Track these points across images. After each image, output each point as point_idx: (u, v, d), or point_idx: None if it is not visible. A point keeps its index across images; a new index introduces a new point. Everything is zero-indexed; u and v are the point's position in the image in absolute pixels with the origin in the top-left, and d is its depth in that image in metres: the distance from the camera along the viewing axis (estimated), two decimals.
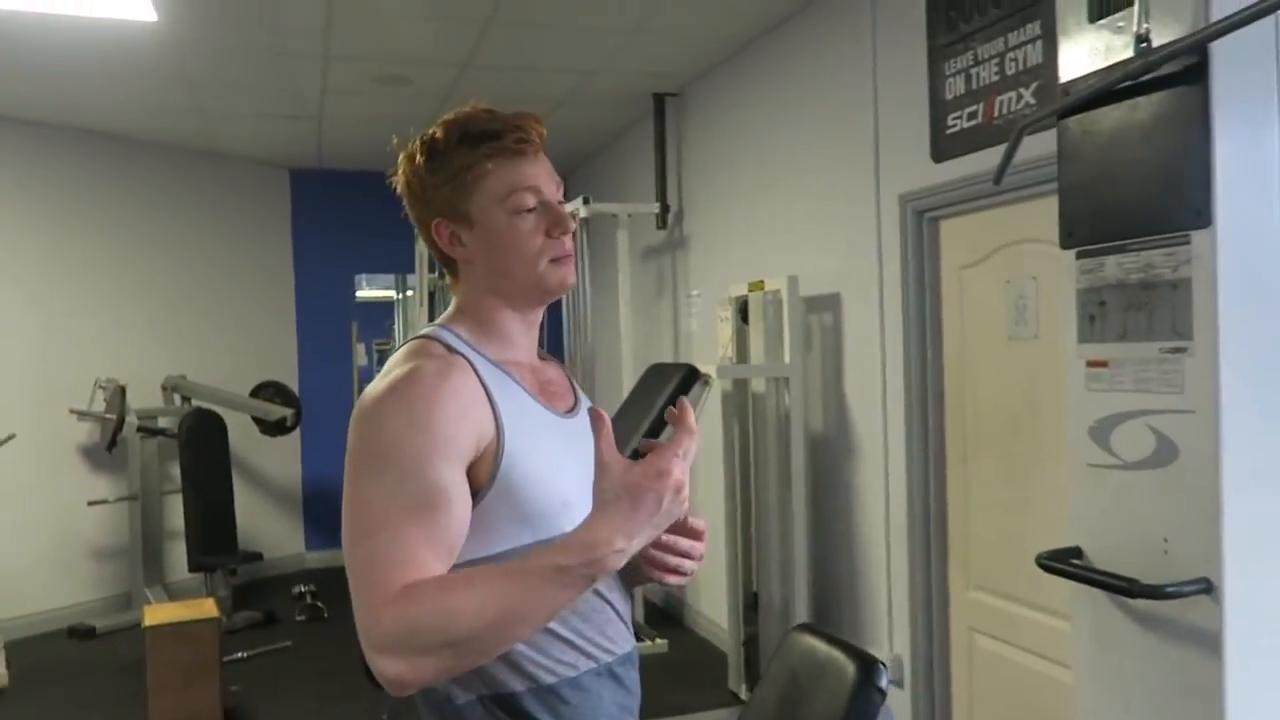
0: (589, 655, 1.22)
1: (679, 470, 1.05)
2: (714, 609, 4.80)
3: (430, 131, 1.25)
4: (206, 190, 6.39)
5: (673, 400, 3.88)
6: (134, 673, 4.10)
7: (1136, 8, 1.62)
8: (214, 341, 6.34)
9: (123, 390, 5.35)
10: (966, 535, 3.11)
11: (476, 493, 1.15)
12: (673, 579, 1.28)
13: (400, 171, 1.28)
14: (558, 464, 1.22)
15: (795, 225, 4.04)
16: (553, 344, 5.36)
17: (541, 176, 1.24)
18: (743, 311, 4.14)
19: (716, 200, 4.84)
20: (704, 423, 4.06)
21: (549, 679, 1.19)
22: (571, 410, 1.32)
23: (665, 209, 5.25)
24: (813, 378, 3.88)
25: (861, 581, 3.61)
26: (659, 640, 4.77)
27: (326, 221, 6.94)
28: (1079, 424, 1.82)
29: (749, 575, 4.13)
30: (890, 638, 3.38)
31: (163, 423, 5.70)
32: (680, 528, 1.27)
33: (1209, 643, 1.59)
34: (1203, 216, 1.58)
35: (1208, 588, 1.57)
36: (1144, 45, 1.61)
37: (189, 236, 6.27)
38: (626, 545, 1.02)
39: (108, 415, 5.40)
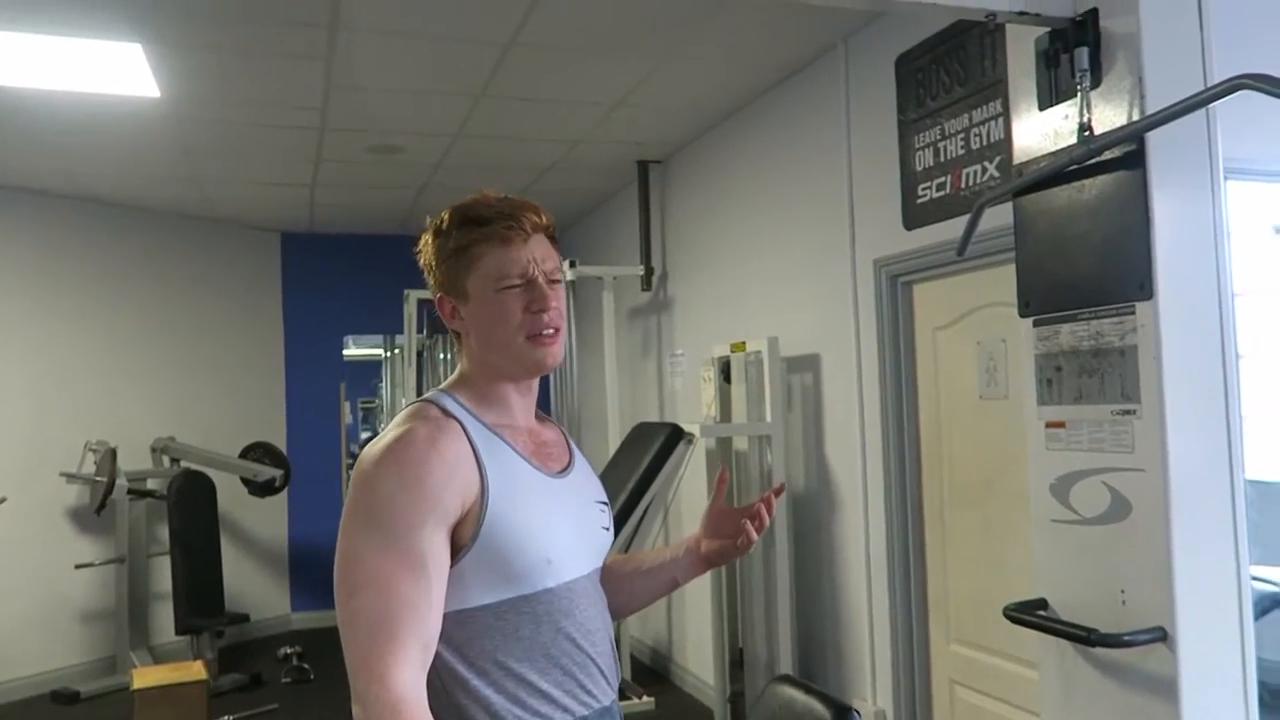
0: (565, 708, 1.29)
1: None
2: (700, 666, 4.84)
3: (441, 215, 1.40)
4: (198, 253, 6.50)
5: (658, 458, 3.99)
6: None
7: (1079, 99, 1.77)
8: (204, 403, 6.40)
9: (113, 452, 5.39)
10: (945, 589, 3.19)
11: (459, 550, 1.25)
12: (754, 535, 1.46)
13: (420, 246, 1.42)
14: (544, 523, 1.31)
15: (775, 288, 4.19)
16: (540, 403, 5.46)
17: (527, 259, 1.34)
18: (725, 371, 4.26)
19: (699, 263, 4.99)
20: (688, 481, 4.16)
21: None
22: (565, 469, 1.42)
23: (650, 271, 5.40)
24: (794, 436, 3.99)
25: (845, 635, 3.68)
26: (646, 698, 4.79)
27: (316, 283, 7.06)
28: (1040, 481, 1.93)
29: (734, 632, 4.19)
30: (874, 691, 3.44)
31: (152, 484, 5.74)
32: (749, 508, 1.47)
33: (1165, 689, 1.68)
34: (1145, 289, 1.71)
35: (1162, 636, 1.67)
36: (1087, 134, 1.75)
37: (180, 299, 6.37)
38: None
39: (98, 478, 5.43)
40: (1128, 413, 1.75)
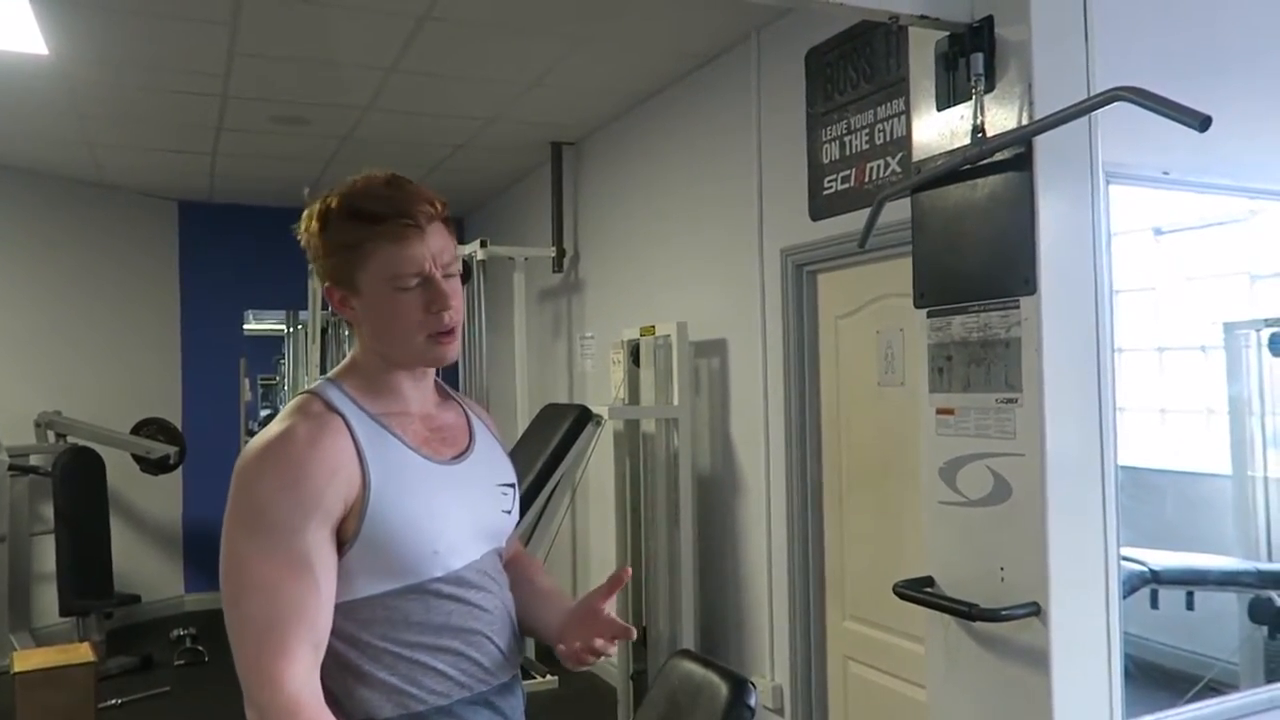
0: (462, 685, 1.30)
1: None
2: None
3: (326, 201, 1.31)
4: (89, 219, 6.23)
5: (566, 439, 4.01)
6: None
7: (974, 101, 1.86)
8: (93, 376, 6.15)
9: None
10: (842, 568, 3.31)
11: (344, 544, 1.24)
12: (581, 664, 1.37)
13: (302, 230, 1.34)
14: (429, 513, 1.29)
15: (685, 273, 4.25)
16: (449, 381, 5.42)
17: (427, 256, 1.28)
18: (634, 354, 4.31)
19: (610, 246, 5.02)
20: (596, 461, 4.20)
21: (419, 707, 1.26)
22: (462, 454, 1.39)
23: (561, 253, 5.40)
24: (700, 419, 4.06)
25: (746, 614, 3.78)
26: (549, 676, 4.83)
27: (216, 255, 6.84)
28: (930, 465, 2.02)
29: (639, 610, 4.26)
30: (772, 667, 3.55)
31: (35, 460, 5.49)
32: (609, 626, 1.37)
33: (1038, 660, 1.80)
34: (1030, 284, 1.81)
35: (1037, 610, 1.78)
36: (980, 135, 1.84)
37: (68, 266, 6.10)
38: None
39: None
40: (1010, 401, 1.85)
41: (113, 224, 6.39)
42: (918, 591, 1.97)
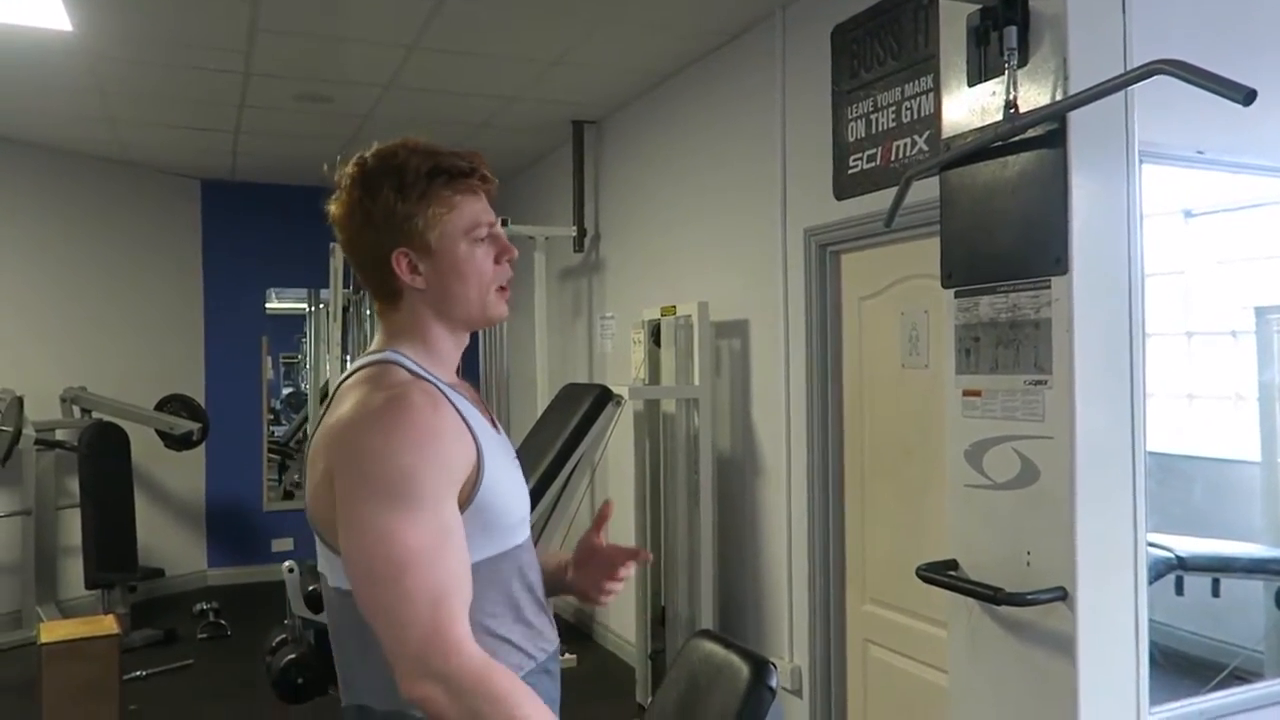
0: (531, 655, 1.31)
1: None
2: (622, 624, 4.91)
3: (398, 158, 1.28)
4: (113, 198, 6.26)
5: (586, 419, 4.00)
6: (25, 693, 4.00)
7: (1006, 77, 1.82)
8: (118, 353, 6.20)
9: (20, 401, 5.19)
10: (862, 551, 3.29)
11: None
12: (603, 600, 1.46)
13: (347, 198, 1.30)
14: (515, 480, 1.34)
15: (706, 253, 4.21)
16: (469, 362, 5.42)
17: (491, 211, 1.34)
18: (655, 335, 4.29)
19: (631, 226, 4.99)
20: (616, 442, 4.19)
21: None
22: (495, 424, 1.41)
23: (582, 233, 5.37)
24: (721, 400, 4.04)
25: (765, 596, 3.77)
26: (568, 655, 4.84)
27: (239, 234, 6.86)
28: (956, 447, 2.00)
29: (657, 590, 4.26)
30: (791, 649, 3.54)
31: (61, 435, 5.55)
32: (615, 555, 1.44)
33: (1064, 645, 1.78)
34: (1061, 264, 1.77)
35: (1063, 595, 1.76)
36: (1012, 111, 1.80)
37: (93, 244, 6.13)
38: None
39: (3, 428, 5.23)
40: (1039, 383, 1.82)
41: (136, 202, 6.42)
42: (941, 575, 1.95)
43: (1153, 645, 1.94)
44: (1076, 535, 1.76)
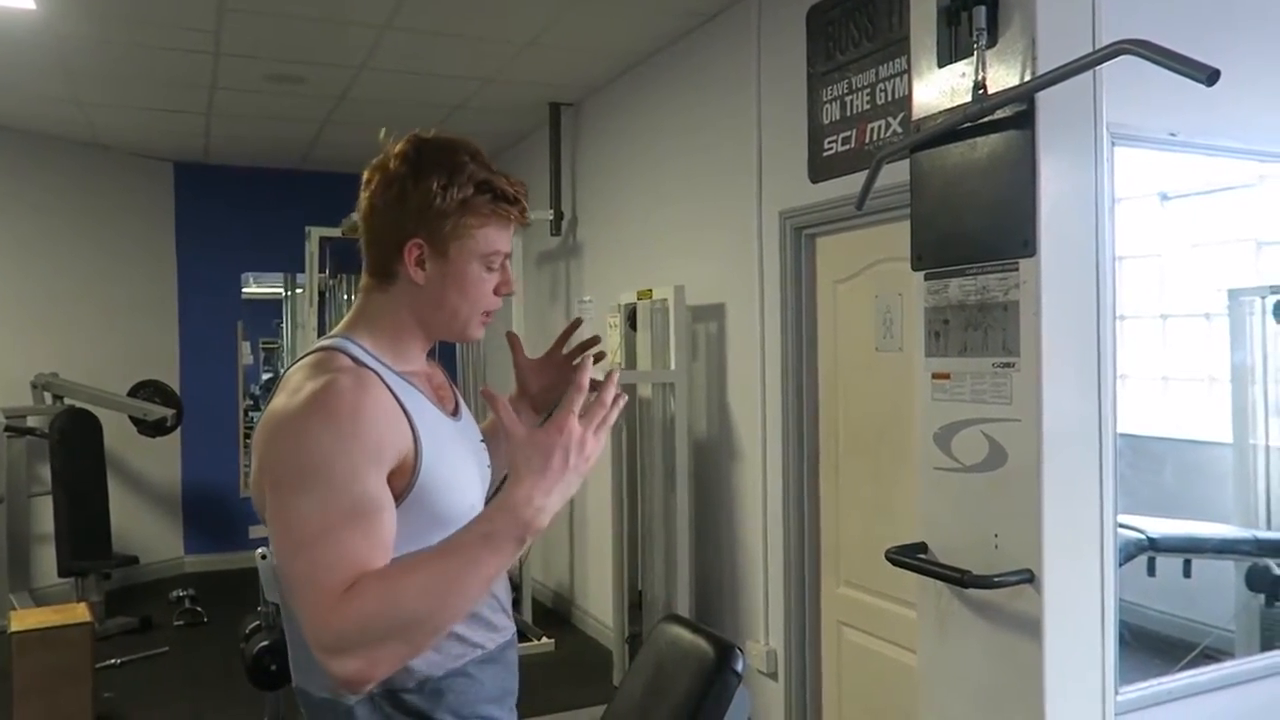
0: (477, 645, 1.30)
1: (575, 424, 1.11)
2: (600, 608, 4.92)
3: (458, 157, 1.30)
4: (83, 181, 6.17)
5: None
6: None
7: (975, 57, 1.80)
8: (89, 339, 6.12)
9: None
10: (837, 534, 3.30)
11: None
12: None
13: (393, 171, 1.29)
14: (463, 468, 1.31)
15: (683, 236, 4.19)
16: (445, 347, 5.39)
17: (511, 244, 1.36)
18: (631, 318, 4.27)
19: (609, 209, 4.96)
20: None
21: (438, 673, 1.26)
22: (456, 410, 1.41)
23: (559, 216, 5.34)
24: (697, 384, 4.03)
25: (740, 579, 3.77)
26: (546, 639, 4.85)
27: (213, 217, 6.79)
28: (925, 430, 1.99)
29: (634, 575, 4.26)
30: (766, 632, 3.55)
31: (33, 422, 5.48)
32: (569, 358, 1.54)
33: (1030, 627, 1.78)
34: (1029, 247, 1.77)
35: (1030, 578, 1.76)
36: (981, 92, 1.79)
37: (63, 228, 6.05)
38: (545, 501, 1.10)
39: None
40: (1007, 365, 1.81)
41: (107, 185, 6.33)
42: (910, 558, 1.95)
43: (1124, 625, 1.95)
44: (1043, 518, 1.75)
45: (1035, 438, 1.76)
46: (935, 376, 1.98)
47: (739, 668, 1.51)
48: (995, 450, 1.84)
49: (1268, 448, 4.13)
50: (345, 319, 1.35)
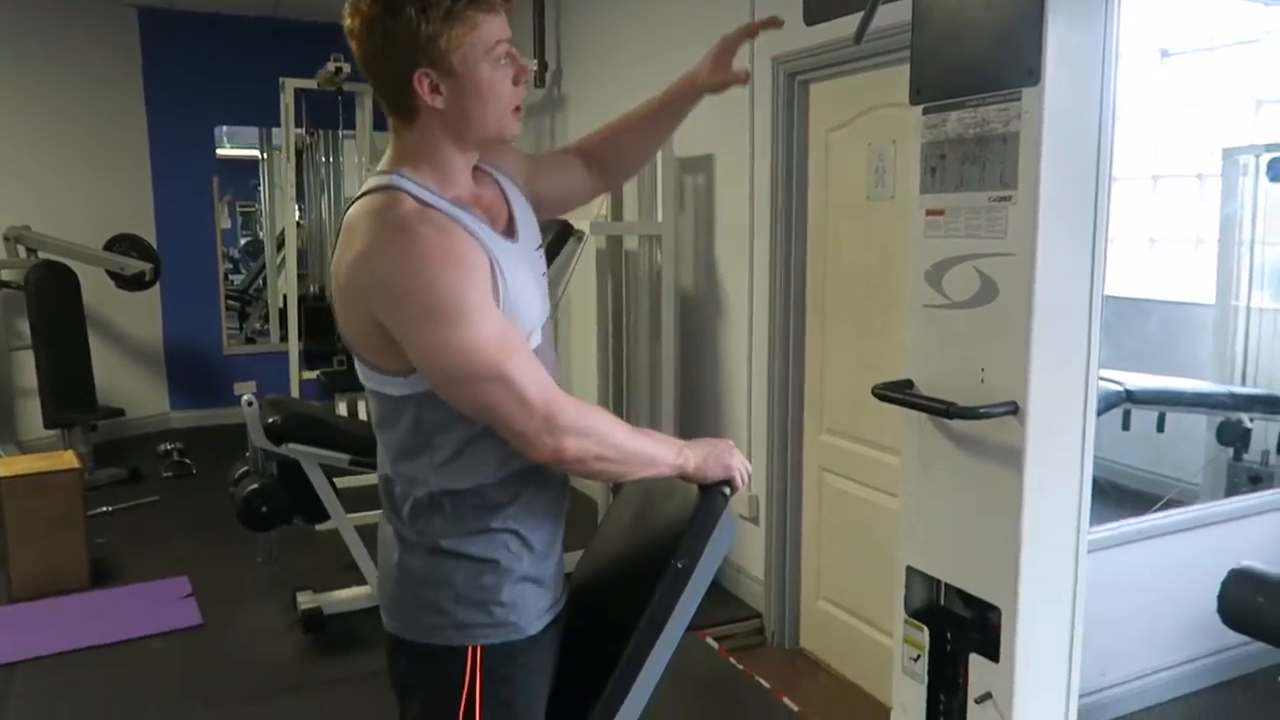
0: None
1: (739, 461, 1.50)
2: None
3: None
4: (42, 29, 5.89)
5: (548, 255, 3.94)
6: None
7: None
8: (60, 191, 5.97)
9: None
10: (821, 383, 3.33)
11: None
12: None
13: (367, 13, 1.27)
14: (525, 290, 1.36)
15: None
16: None
17: (508, 29, 1.32)
18: None
19: (594, 59, 4.79)
20: (577, 277, 4.15)
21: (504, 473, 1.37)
22: (511, 228, 1.41)
23: (543, 67, 5.16)
24: (684, 236, 3.99)
25: (724, 429, 3.83)
26: None
27: (181, 66, 6.51)
28: (917, 268, 1.98)
29: None
30: (749, 479, 3.62)
31: (6, 275, 5.40)
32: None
33: (1012, 458, 1.82)
34: (1033, 75, 1.72)
35: (1014, 409, 1.79)
36: None
37: (25, 77, 5.81)
38: (700, 465, 1.44)
39: None
40: (1004, 199, 1.79)
41: (68, 33, 6.03)
42: (897, 393, 1.97)
43: (1096, 479, 1.99)
44: (1031, 351, 1.77)
45: (1028, 271, 1.76)
46: (929, 213, 1.96)
47: (726, 490, 1.54)
48: (986, 285, 1.83)
49: (1249, 308, 4.18)
50: (390, 154, 1.35)
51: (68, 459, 4.10)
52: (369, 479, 4.79)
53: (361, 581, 3.65)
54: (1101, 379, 2.04)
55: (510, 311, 1.31)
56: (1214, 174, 4.51)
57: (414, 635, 1.38)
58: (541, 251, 1.49)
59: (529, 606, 1.39)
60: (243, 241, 11.63)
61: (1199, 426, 3.95)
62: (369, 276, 1.25)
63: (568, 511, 1.51)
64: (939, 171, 1.93)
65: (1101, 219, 1.85)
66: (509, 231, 1.40)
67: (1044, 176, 1.74)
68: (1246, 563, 2.42)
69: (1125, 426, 3.59)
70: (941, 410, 1.84)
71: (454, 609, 1.35)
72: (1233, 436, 3.65)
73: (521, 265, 1.38)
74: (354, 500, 3.67)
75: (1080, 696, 1.99)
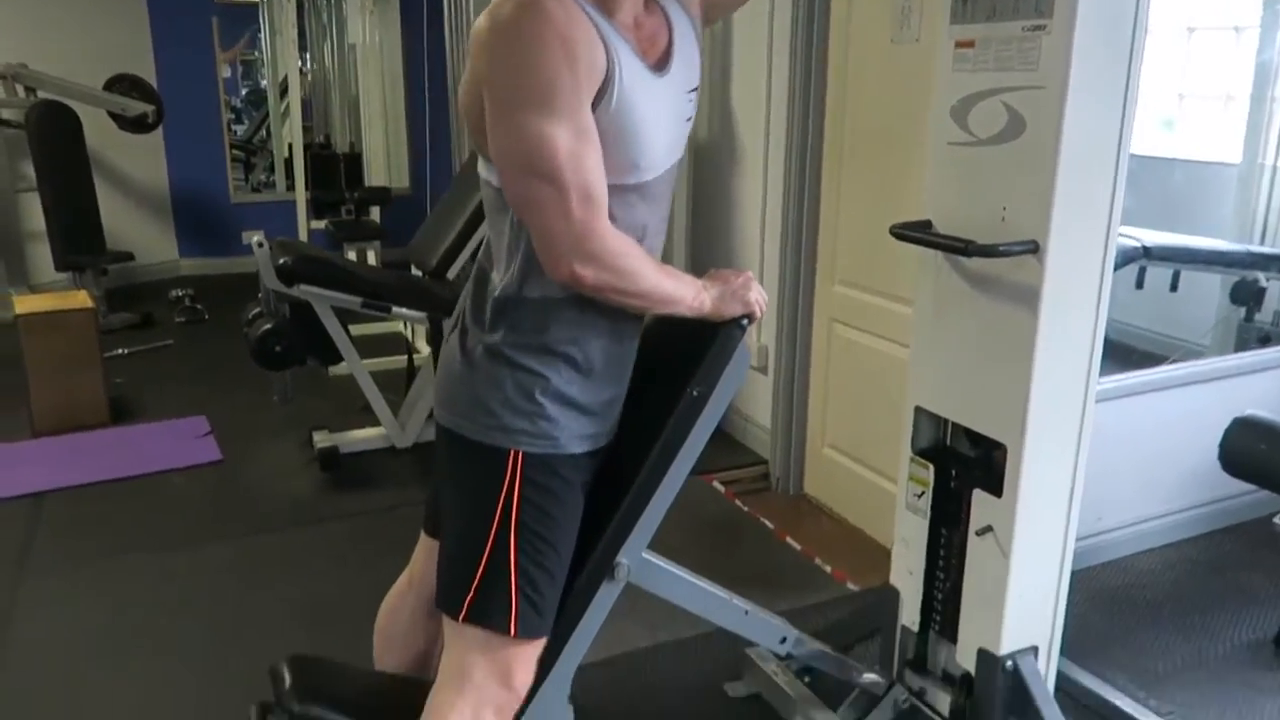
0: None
1: (756, 294, 1.55)
2: None
3: None
4: None
5: None
6: (8, 367, 4.09)
7: None
8: (54, 29, 5.80)
9: None
10: (834, 234, 3.30)
11: None
12: None
13: None
14: (655, 132, 1.36)
15: None
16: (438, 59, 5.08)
17: None
18: None
19: None
20: None
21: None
22: (664, 63, 1.39)
23: None
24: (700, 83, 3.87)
25: None
26: None
27: None
28: (942, 104, 1.92)
29: None
30: (759, 329, 3.64)
31: (6, 114, 5.30)
32: None
33: (1029, 298, 1.80)
34: None
35: (1035, 248, 1.76)
36: None
37: None
38: (717, 305, 1.52)
39: None
40: (1038, 28, 1.72)
41: None
42: (915, 232, 1.95)
43: (1106, 339, 1.97)
44: (1055, 188, 1.73)
45: (1058, 104, 1.70)
46: (959, 45, 1.88)
47: (744, 321, 1.54)
48: (1014, 120, 1.78)
49: (1276, 166, 4.08)
50: None
51: (81, 298, 4.13)
52: (380, 327, 4.84)
53: (376, 423, 3.73)
54: (1120, 235, 2.01)
55: (622, 134, 1.31)
56: (1252, 26, 4.33)
57: (464, 430, 1.43)
58: (694, 96, 1.48)
59: (570, 426, 1.43)
60: (243, 91, 11.35)
61: (1213, 288, 3.92)
62: (490, 44, 1.26)
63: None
64: (970, 1, 1.85)
65: (1138, 54, 1.78)
66: (660, 65, 1.38)
67: (1082, 3, 1.66)
68: (1251, 410, 2.44)
69: (1139, 284, 3.57)
70: (960, 248, 1.81)
71: (501, 411, 1.39)
72: (1247, 295, 3.63)
73: (659, 99, 1.37)
74: (367, 347, 3.71)
75: (1077, 540, 2.05)
